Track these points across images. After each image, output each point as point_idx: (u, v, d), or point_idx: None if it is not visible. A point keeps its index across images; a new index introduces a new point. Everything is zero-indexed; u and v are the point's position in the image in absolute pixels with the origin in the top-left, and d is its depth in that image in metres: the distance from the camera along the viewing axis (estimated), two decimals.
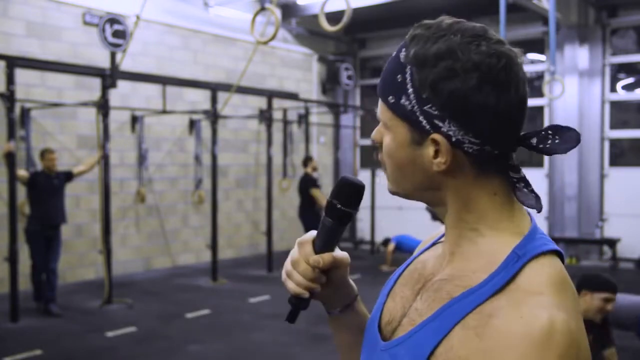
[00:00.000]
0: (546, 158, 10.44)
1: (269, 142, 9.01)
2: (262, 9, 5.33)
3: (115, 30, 6.83)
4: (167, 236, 9.44)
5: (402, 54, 0.83)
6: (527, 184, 0.85)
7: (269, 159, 9.02)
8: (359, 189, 0.91)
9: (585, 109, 10.00)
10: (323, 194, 8.68)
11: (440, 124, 0.80)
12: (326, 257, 0.91)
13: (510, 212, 0.84)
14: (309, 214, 8.65)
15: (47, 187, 6.51)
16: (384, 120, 0.87)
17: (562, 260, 0.82)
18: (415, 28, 0.84)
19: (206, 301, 7.07)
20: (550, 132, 0.83)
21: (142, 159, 8.95)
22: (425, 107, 0.80)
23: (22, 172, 6.58)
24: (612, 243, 9.60)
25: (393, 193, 0.91)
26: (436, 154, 0.81)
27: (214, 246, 8.23)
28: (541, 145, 0.83)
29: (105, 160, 6.91)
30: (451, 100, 0.78)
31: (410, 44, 0.82)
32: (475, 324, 0.76)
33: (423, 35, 0.82)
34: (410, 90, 0.81)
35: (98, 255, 7.75)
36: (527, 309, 0.73)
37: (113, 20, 6.83)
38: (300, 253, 0.92)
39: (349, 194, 0.91)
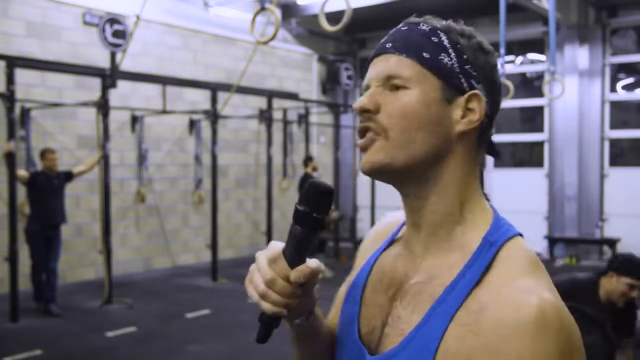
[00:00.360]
0: (546, 158, 10.45)
1: (269, 142, 9.00)
2: (262, 9, 5.32)
3: (115, 30, 6.82)
4: (167, 236, 9.44)
5: (425, 27, 0.87)
6: (482, 176, 0.91)
7: (269, 159, 9.02)
8: (330, 194, 0.85)
9: (585, 109, 10.00)
10: None
11: (476, 85, 0.85)
12: (305, 270, 0.83)
13: (479, 197, 0.88)
14: None
15: (47, 187, 6.50)
16: (407, 77, 0.84)
17: None
18: (414, 18, 0.90)
19: (206, 301, 7.07)
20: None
21: (142, 159, 8.95)
22: (466, 67, 0.85)
23: (22, 172, 6.58)
24: (612, 243, 9.60)
25: (384, 165, 0.85)
26: (465, 113, 0.84)
27: (214, 246, 8.23)
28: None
29: (105, 160, 6.90)
30: (484, 68, 0.86)
31: (427, 20, 0.88)
32: (467, 320, 0.76)
33: (433, 19, 0.88)
34: (451, 50, 0.85)
35: (98, 255, 7.75)
36: (515, 295, 0.74)
37: (113, 20, 6.83)
38: (274, 270, 0.83)
39: (322, 200, 0.85)
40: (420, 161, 0.84)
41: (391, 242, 0.97)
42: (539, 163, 10.60)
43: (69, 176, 6.77)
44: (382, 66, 0.86)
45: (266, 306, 0.84)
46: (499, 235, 0.82)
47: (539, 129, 10.56)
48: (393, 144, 0.84)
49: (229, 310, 6.71)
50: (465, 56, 0.84)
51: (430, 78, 0.83)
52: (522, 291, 0.74)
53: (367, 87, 0.88)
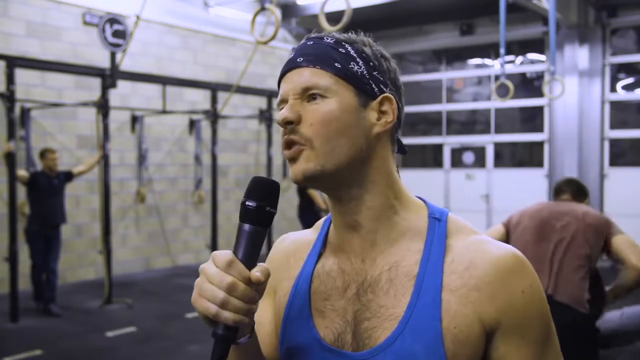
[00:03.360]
0: (546, 158, 10.45)
1: (269, 142, 9.01)
2: (262, 9, 5.32)
3: (115, 30, 6.82)
4: (167, 236, 9.44)
5: (329, 40, 0.91)
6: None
7: (269, 159, 9.02)
8: (278, 188, 0.83)
9: (585, 109, 10.00)
10: (322, 194, 8.66)
11: (385, 89, 0.90)
12: (264, 270, 0.79)
13: (404, 188, 0.94)
14: (308, 214, 8.65)
15: (47, 187, 6.50)
16: (324, 87, 0.87)
17: None
18: (315, 33, 0.95)
19: None
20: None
21: (142, 159, 8.96)
22: (374, 73, 0.90)
23: (22, 172, 6.58)
24: None
25: (315, 173, 0.86)
26: (380, 116, 0.89)
27: (213, 246, 8.23)
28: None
29: (105, 160, 6.90)
30: (389, 73, 0.92)
31: (329, 34, 0.92)
32: (462, 282, 0.84)
33: (334, 33, 0.93)
34: (359, 59, 0.89)
35: (98, 255, 7.75)
36: (491, 249, 0.86)
37: (113, 20, 6.82)
38: (233, 274, 0.78)
39: (272, 193, 0.83)
40: (348, 165, 0.87)
41: (319, 256, 0.96)
42: (538, 163, 10.59)
43: (69, 176, 6.77)
44: (297, 79, 0.88)
45: (227, 315, 0.77)
46: (439, 213, 0.91)
47: (539, 129, 10.56)
48: (319, 152, 0.86)
49: None
50: (371, 63, 0.89)
51: (345, 86, 0.87)
52: (495, 246, 0.86)
53: (283, 101, 0.90)
